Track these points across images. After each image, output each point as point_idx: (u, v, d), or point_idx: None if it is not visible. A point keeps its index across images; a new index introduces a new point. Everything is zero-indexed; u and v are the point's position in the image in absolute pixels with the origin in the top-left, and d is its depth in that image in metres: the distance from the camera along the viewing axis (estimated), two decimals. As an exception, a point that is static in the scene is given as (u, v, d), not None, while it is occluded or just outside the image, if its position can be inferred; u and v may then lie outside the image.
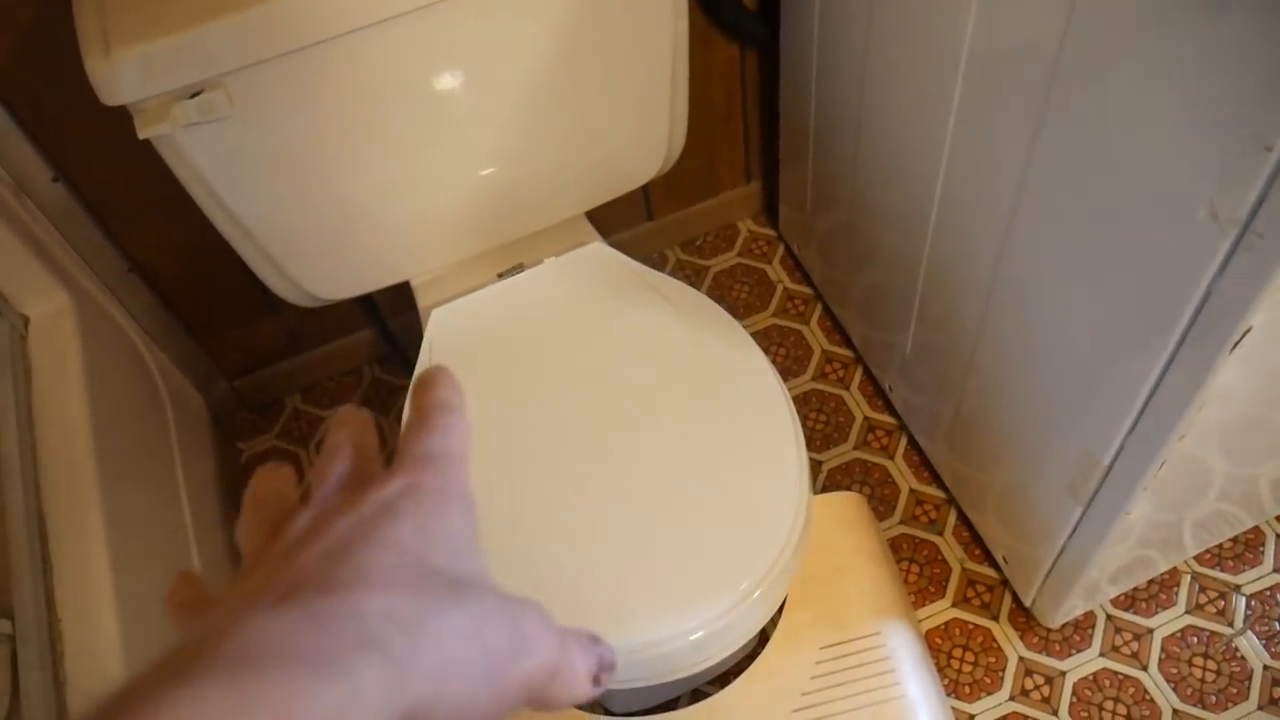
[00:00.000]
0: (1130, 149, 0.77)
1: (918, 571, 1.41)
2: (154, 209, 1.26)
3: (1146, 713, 1.28)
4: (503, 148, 1.09)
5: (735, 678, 1.10)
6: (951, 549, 1.43)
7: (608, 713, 1.25)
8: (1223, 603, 1.35)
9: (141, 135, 0.87)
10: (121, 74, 0.84)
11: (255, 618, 0.24)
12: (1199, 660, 1.31)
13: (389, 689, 0.24)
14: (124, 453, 1.14)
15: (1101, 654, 1.32)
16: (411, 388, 0.35)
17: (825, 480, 1.51)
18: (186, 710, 0.21)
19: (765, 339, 1.66)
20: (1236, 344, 0.75)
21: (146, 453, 1.25)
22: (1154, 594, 1.36)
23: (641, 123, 1.16)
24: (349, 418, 0.35)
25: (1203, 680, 1.29)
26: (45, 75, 1.08)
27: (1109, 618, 1.35)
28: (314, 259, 1.09)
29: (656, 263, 1.77)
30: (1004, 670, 1.33)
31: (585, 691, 0.31)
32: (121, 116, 0.87)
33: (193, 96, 0.87)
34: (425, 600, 0.26)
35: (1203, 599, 1.35)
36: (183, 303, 1.43)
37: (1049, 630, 1.35)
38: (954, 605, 1.38)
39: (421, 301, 1.18)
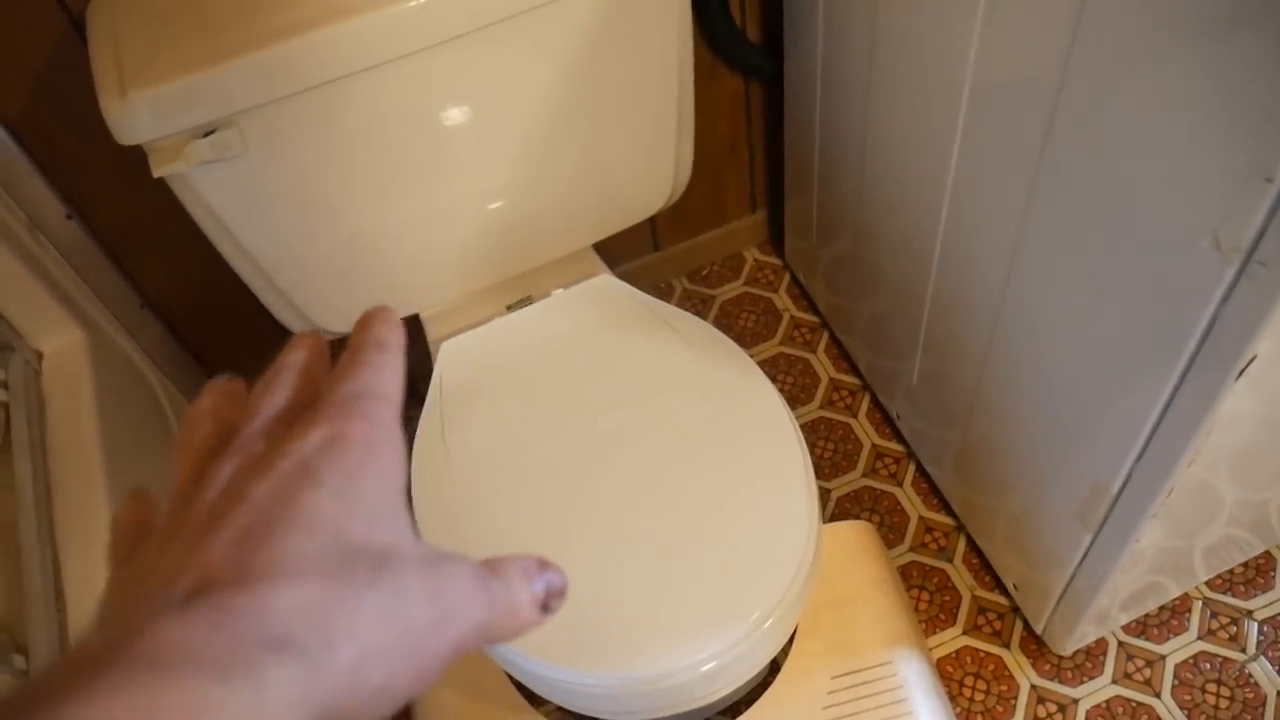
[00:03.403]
0: (1133, 179, 0.78)
1: (928, 599, 1.41)
2: (166, 245, 1.28)
3: (1160, 740, 1.27)
4: (511, 182, 1.10)
5: (747, 708, 1.10)
6: (962, 576, 1.42)
7: (619, 744, 1.24)
8: (1235, 628, 1.34)
9: (156, 174, 0.88)
10: (136, 114, 0.85)
11: (163, 619, 0.24)
12: (1212, 686, 1.30)
13: (302, 688, 0.24)
14: (136, 486, 1.14)
15: (1114, 681, 1.32)
16: (358, 321, 0.34)
17: (834, 509, 1.51)
18: (90, 716, 0.21)
19: (772, 367, 1.67)
20: (1242, 371, 0.76)
21: (158, 486, 1.25)
22: (1165, 620, 1.36)
23: (648, 155, 1.17)
24: (302, 341, 0.34)
25: (1216, 706, 1.28)
26: (60, 114, 1.10)
27: (1121, 644, 1.34)
28: (324, 293, 1.10)
29: (663, 292, 1.78)
30: (1016, 698, 1.32)
31: (533, 622, 0.31)
32: (135, 155, 0.88)
33: (206, 135, 0.88)
34: (341, 587, 0.25)
35: (1215, 625, 1.35)
36: (194, 337, 1.44)
37: (1061, 657, 1.34)
38: (965, 633, 1.38)
39: (431, 334, 1.18)
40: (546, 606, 0.31)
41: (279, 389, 0.32)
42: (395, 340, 0.33)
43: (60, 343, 1.16)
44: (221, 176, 0.92)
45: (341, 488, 0.28)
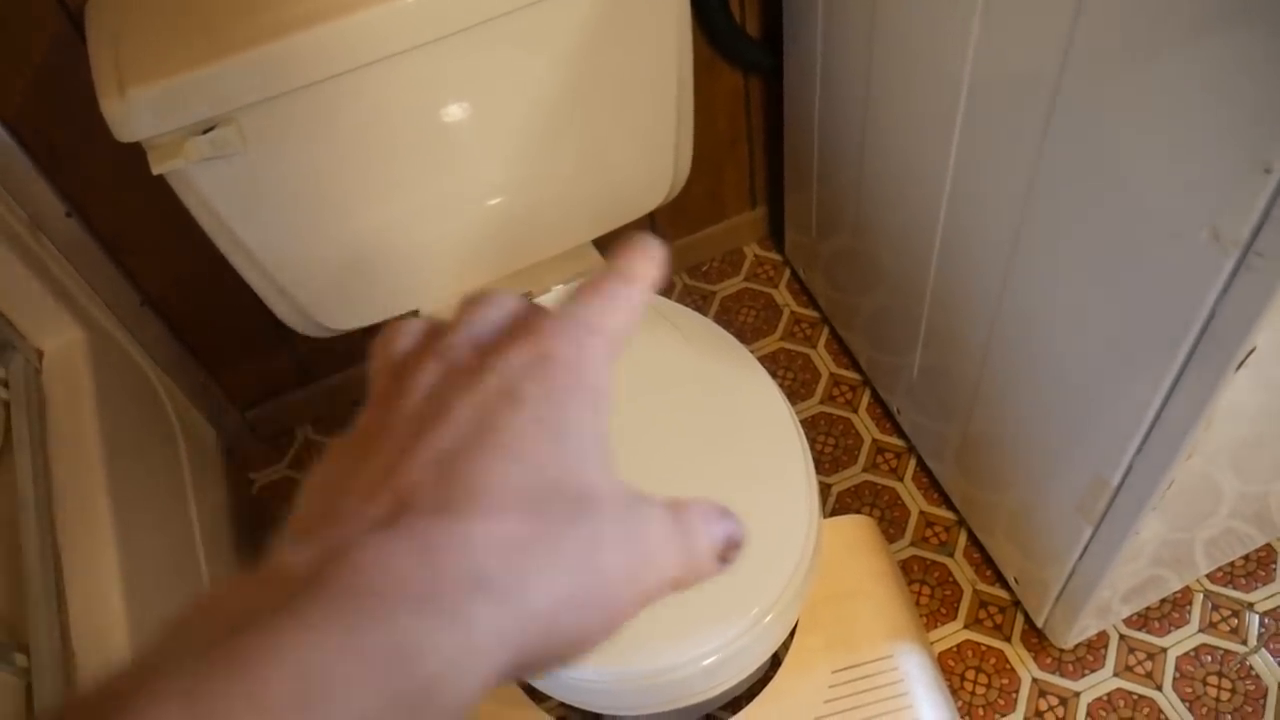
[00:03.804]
0: (1132, 171, 0.78)
1: (929, 593, 1.41)
2: (166, 243, 1.28)
3: (1162, 733, 1.27)
4: (511, 178, 1.10)
5: (748, 703, 1.10)
6: (963, 570, 1.42)
7: (621, 739, 1.25)
8: (1236, 621, 1.34)
9: (155, 171, 0.88)
10: (136, 111, 0.85)
11: (366, 545, 0.22)
12: (1213, 679, 1.30)
13: (498, 632, 0.22)
14: (137, 485, 1.14)
15: (1115, 674, 1.32)
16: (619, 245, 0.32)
17: (835, 503, 1.51)
18: (297, 655, 0.20)
19: (772, 362, 1.67)
20: (1242, 363, 0.76)
21: (159, 484, 1.25)
22: (1167, 613, 1.36)
23: (647, 151, 1.17)
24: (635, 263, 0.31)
25: (1217, 699, 1.29)
26: (59, 112, 1.10)
27: (1122, 637, 1.34)
28: (325, 290, 1.10)
29: (663, 288, 1.77)
30: (1018, 691, 1.32)
31: (711, 573, 0.29)
32: (134, 152, 0.88)
33: (205, 132, 0.88)
34: (540, 526, 0.24)
35: (1216, 617, 1.35)
36: (194, 335, 1.44)
37: (1062, 651, 1.34)
38: (966, 627, 1.38)
39: (431, 331, 1.18)
40: (724, 557, 0.29)
41: (495, 302, 0.30)
42: (644, 274, 0.30)
43: (60, 341, 1.16)
44: (221, 173, 0.92)
45: (544, 414, 0.26)
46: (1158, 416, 0.88)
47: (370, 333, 1.51)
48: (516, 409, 0.25)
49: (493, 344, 0.28)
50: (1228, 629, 1.34)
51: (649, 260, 0.31)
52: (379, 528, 0.23)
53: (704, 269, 1.80)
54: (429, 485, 0.24)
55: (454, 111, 1.00)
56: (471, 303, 0.30)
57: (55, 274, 1.16)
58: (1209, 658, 1.32)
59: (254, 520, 1.57)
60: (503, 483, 0.24)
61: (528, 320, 0.29)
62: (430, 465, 0.24)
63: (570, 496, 0.25)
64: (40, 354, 1.15)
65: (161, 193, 0.94)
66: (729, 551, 0.29)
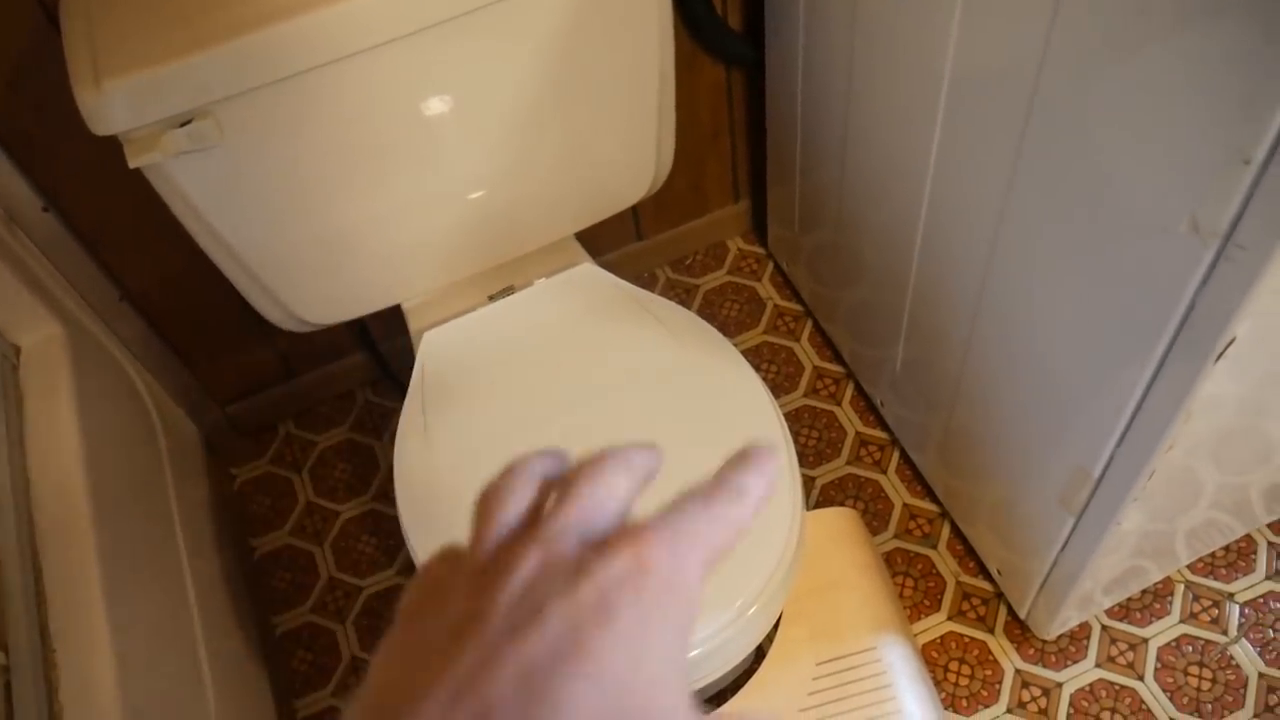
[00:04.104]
0: (1111, 165, 0.78)
1: (912, 585, 1.42)
2: (145, 237, 1.27)
3: (1143, 723, 1.28)
4: (492, 171, 1.10)
5: (733, 694, 1.10)
6: (946, 563, 1.43)
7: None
8: (1217, 611, 1.35)
9: (132, 165, 0.87)
10: (111, 104, 0.84)
11: None
12: (1194, 669, 1.31)
13: None
14: (117, 481, 1.13)
15: (1097, 664, 1.33)
16: (739, 451, 0.33)
17: (818, 496, 1.52)
18: None
19: (756, 356, 1.67)
20: (1221, 354, 0.76)
21: (139, 481, 1.25)
22: (1148, 604, 1.36)
23: (630, 144, 1.17)
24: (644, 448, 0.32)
25: (1198, 689, 1.29)
26: (35, 106, 1.09)
27: (1104, 628, 1.35)
28: (305, 284, 1.10)
29: (646, 282, 1.77)
30: (1001, 683, 1.33)
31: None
32: (112, 146, 0.88)
33: (182, 125, 0.87)
34: None
35: (1196, 608, 1.36)
36: (174, 330, 1.43)
37: (1044, 642, 1.35)
38: (949, 619, 1.38)
39: (413, 325, 1.18)
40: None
41: (609, 477, 0.31)
42: (756, 491, 0.31)
43: (38, 337, 1.15)
44: (199, 167, 0.92)
45: (633, 635, 0.26)
46: (1138, 408, 0.88)
47: (351, 327, 1.51)
48: (608, 627, 0.26)
49: (596, 544, 0.28)
50: (1208, 619, 1.35)
51: (761, 477, 0.31)
52: None
53: (687, 263, 1.80)
54: (512, 704, 0.24)
55: (434, 104, 1.00)
56: (589, 472, 0.31)
57: (32, 269, 1.15)
58: (1190, 648, 1.33)
59: (235, 516, 1.56)
60: (585, 706, 0.24)
61: (633, 526, 0.29)
62: (515, 680, 0.24)
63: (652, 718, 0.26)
64: (17, 350, 1.13)
65: (140, 187, 0.93)
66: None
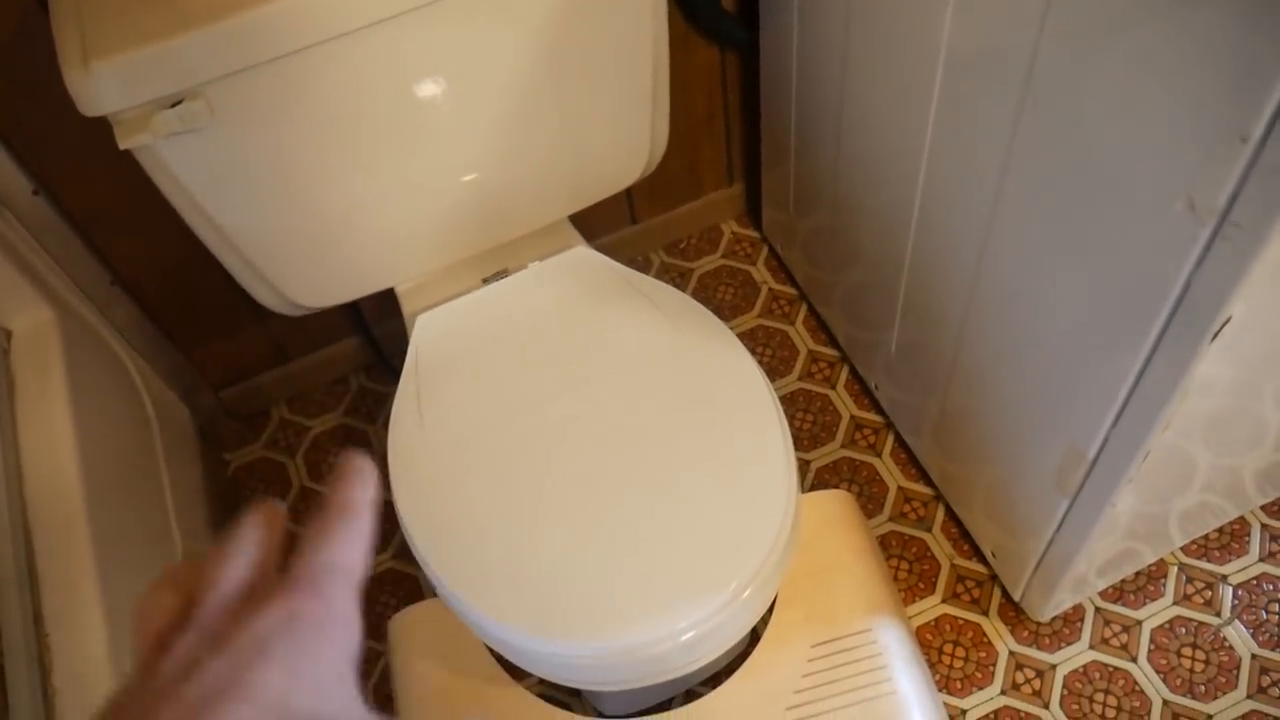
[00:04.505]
0: (1108, 143, 0.78)
1: (907, 568, 1.42)
2: (136, 220, 1.26)
3: (1137, 704, 1.28)
4: (485, 153, 1.09)
5: (727, 678, 1.10)
6: (940, 545, 1.43)
7: (600, 715, 1.25)
8: (1210, 593, 1.36)
9: (122, 146, 0.86)
10: (100, 85, 0.83)
11: None
12: (1188, 650, 1.32)
13: None
14: (109, 466, 1.13)
15: (1091, 646, 1.33)
16: (332, 473, 0.37)
17: (813, 479, 1.52)
18: None
19: (751, 340, 1.67)
20: (1217, 334, 0.76)
21: (133, 465, 1.24)
22: (1142, 586, 1.37)
23: (623, 126, 1.16)
24: (259, 513, 0.36)
25: (1191, 670, 1.30)
26: (24, 87, 1.08)
27: (1098, 610, 1.35)
28: (298, 267, 1.09)
29: (641, 265, 1.77)
30: (995, 665, 1.33)
31: None
32: (102, 128, 0.87)
33: (173, 106, 0.87)
34: None
35: (1190, 590, 1.36)
36: (166, 314, 1.43)
37: (1039, 624, 1.35)
38: (944, 601, 1.39)
39: (406, 308, 1.17)
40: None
41: (237, 560, 0.34)
42: (364, 501, 0.35)
43: (29, 322, 1.14)
44: (190, 149, 0.91)
45: (292, 663, 0.30)
46: (1133, 389, 0.88)
47: (345, 311, 1.50)
48: (265, 661, 0.30)
49: (244, 607, 0.32)
50: (1202, 601, 1.35)
51: (363, 484, 0.36)
52: None
53: (681, 246, 1.80)
54: None
55: (427, 86, 0.99)
56: (217, 561, 0.34)
57: (23, 253, 1.14)
58: (1183, 629, 1.33)
59: (229, 501, 1.56)
60: None
61: (271, 581, 0.33)
62: (177, 715, 0.28)
63: None
64: (8, 334, 1.13)
65: (131, 169, 0.92)
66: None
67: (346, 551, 0.34)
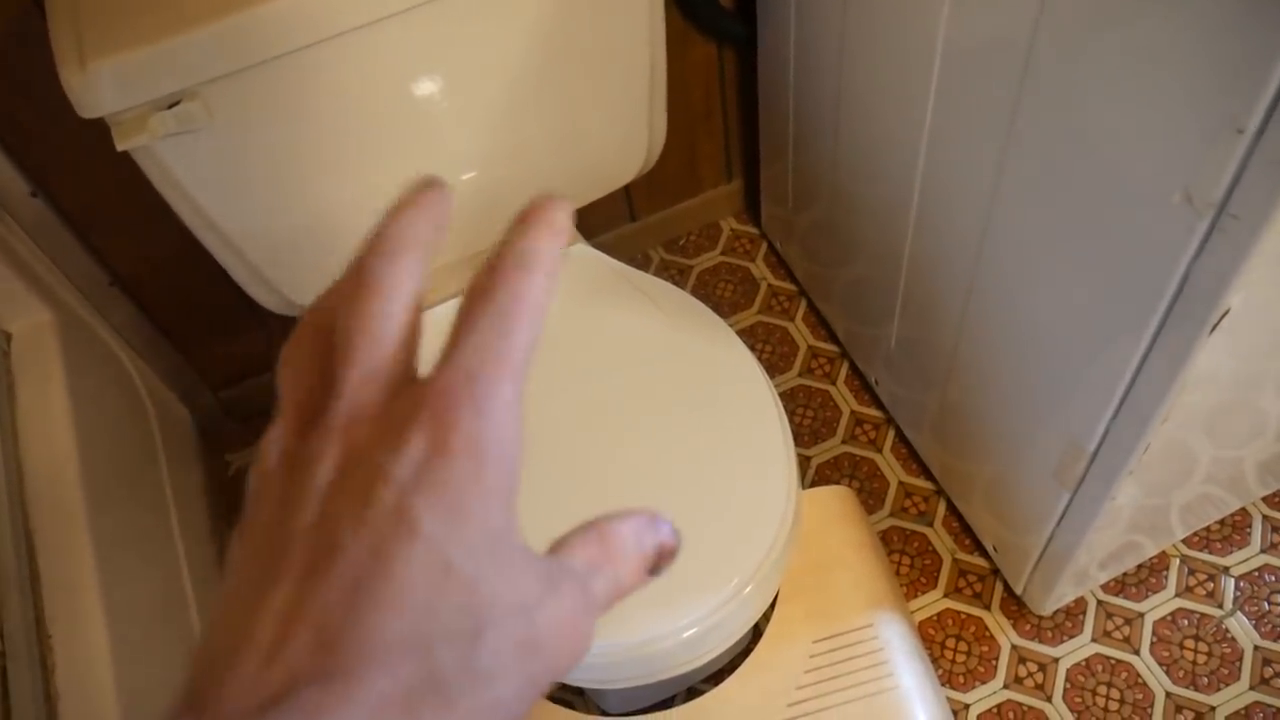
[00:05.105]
0: (1105, 135, 0.78)
1: (909, 563, 1.42)
2: (134, 221, 1.26)
3: (1140, 696, 1.28)
4: (483, 151, 1.09)
5: (729, 674, 1.10)
6: (942, 540, 1.43)
7: (603, 713, 1.25)
8: (1212, 585, 1.36)
9: (120, 147, 0.86)
10: (97, 86, 0.83)
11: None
12: (1190, 643, 1.32)
13: None
14: (110, 467, 1.13)
15: (1093, 639, 1.33)
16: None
17: (814, 475, 1.52)
18: None
19: (750, 336, 1.67)
20: (1216, 326, 0.76)
21: (133, 466, 1.24)
22: (1144, 578, 1.37)
23: (621, 122, 1.16)
24: (409, 239, 0.28)
25: (1194, 662, 1.30)
26: (20, 88, 1.08)
27: (1100, 603, 1.35)
28: (296, 267, 1.09)
29: (640, 263, 1.77)
30: (997, 659, 1.33)
31: (639, 585, 0.28)
32: (99, 129, 0.87)
33: (170, 107, 0.87)
34: (430, 676, 0.23)
35: (1192, 581, 1.36)
36: (166, 315, 1.43)
37: (1041, 618, 1.35)
38: (946, 596, 1.39)
39: (405, 307, 1.17)
40: (655, 568, 0.28)
41: (384, 322, 0.27)
42: (548, 254, 0.27)
43: (28, 323, 1.14)
44: (187, 149, 0.91)
45: (439, 537, 0.24)
46: (1133, 381, 0.88)
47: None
48: (410, 542, 0.24)
49: (386, 424, 0.26)
50: (1204, 593, 1.35)
51: (547, 226, 0.27)
52: (267, 708, 0.22)
53: (680, 243, 1.80)
54: (315, 652, 0.23)
55: (424, 85, 0.99)
56: (360, 309, 0.27)
57: (21, 254, 1.14)
58: (1186, 622, 1.33)
59: (230, 501, 1.56)
60: (393, 635, 0.24)
61: (416, 388, 0.26)
62: (317, 628, 0.23)
63: (466, 627, 0.24)
64: (8, 336, 1.13)
65: (128, 170, 0.92)
66: (663, 560, 0.29)
67: (513, 331, 0.26)
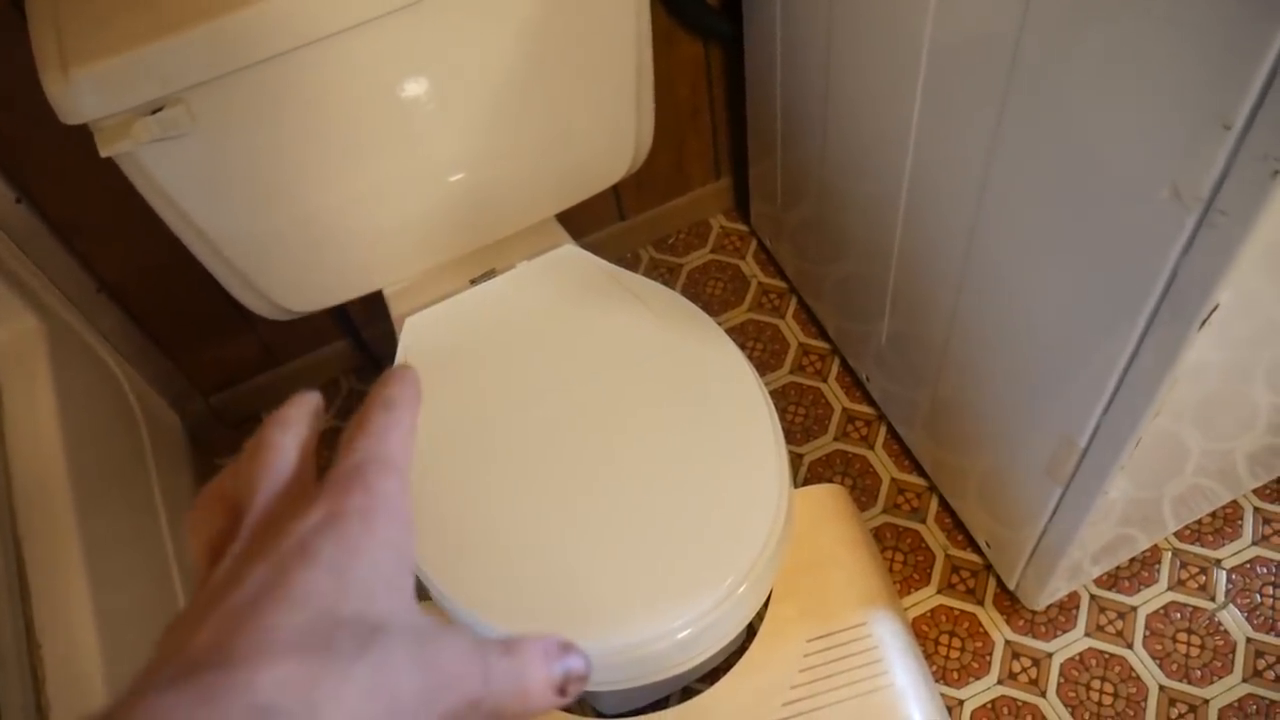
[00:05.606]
0: (1092, 132, 0.78)
1: (902, 560, 1.42)
2: (121, 227, 1.25)
3: (1133, 690, 1.28)
4: (470, 153, 1.08)
5: (724, 674, 1.10)
6: (935, 536, 1.43)
7: (598, 714, 1.25)
8: (1204, 578, 1.36)
9: (103, 153, 0.86)
10: (80, 92, 0.83)
11: (147, 700, 0.24)
12: (1183, 636, 1.32)
13: None
14: (99, 473, 1.12)
15: (1087, 634, 1.33)
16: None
17: (806, 473, 1.52)
18: None
19: (741, 334, 1.66)
20: (1205, 321, 0.76)
21: (122, 473, 1.24)
22: (1136, 572, 1.37)
23: (609, 122, 1.16)
24: (299, 409, 0.35)
25: (1187, 655, 1.30)
26: (2, 95, 1.07)
27: (1093, 597, 1.36)
28: (284, 272, 1.09)
29: (630, 262, 1.77)
30: (991, 654, 1.33)
31: (546, 704, 0.31)
32: (83, 135, 0.86)
33: (154, 113, 0.86)
34: (325, 662, 0.26)
35: (1184, 575, 1.36)
36: (154, 321, 1.42)
37: (1034, 613, 1.35)
38: (939, 592, 1.39)
39: (395, 310, 1.17)
40: (564, 690, 0.31)
41: (278, 457, 0.33)
42: (405, 398, 0.34)
43: (14, 330, 1.14)
44: (172, 155, 0.90)
45: (337, 563, 0.28)
46: (1123, 376, 0.88)
47: (333, 314, 1.49)
48: (308, 564, 0.28)
49: (289, 510, 0.30)
50: (1196, 586, 1.35)
51: (404, 383, 0.35)
52: (165, 686, 0.25)
53: (670, 241, 1.79)
54: (213, 644, 0.26)
55: (410, 87, 0.99)
56: (257, 458, 0.32)
57: (6, 262, 1.14)
58: (1178, 615, 1.33)
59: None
60: (284, 628, 0.26)
61: (313, 480, 0.32)
62: (215, 627, 0.27)
63: (361, 630, 0.27)
64: (-6, 344, 1.12)
65: (113, 176, 0.92)
66: (571, 684, 0.31)
67: (388, 442, 0.32)
